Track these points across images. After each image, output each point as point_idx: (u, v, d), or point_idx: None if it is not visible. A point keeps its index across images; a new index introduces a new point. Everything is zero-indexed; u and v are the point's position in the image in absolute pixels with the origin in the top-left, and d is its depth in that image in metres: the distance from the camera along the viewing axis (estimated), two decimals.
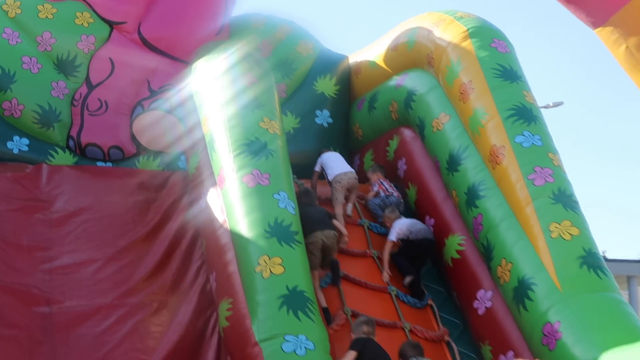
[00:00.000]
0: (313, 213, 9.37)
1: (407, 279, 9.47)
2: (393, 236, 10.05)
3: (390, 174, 11.24)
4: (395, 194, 11.00)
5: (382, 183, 11.18)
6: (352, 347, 7.89)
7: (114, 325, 8.88)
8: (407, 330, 8.97)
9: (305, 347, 7.55)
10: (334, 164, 10.86)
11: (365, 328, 8.26)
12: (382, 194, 11.03)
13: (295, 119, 12.10)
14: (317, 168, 10.92)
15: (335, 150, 11.56)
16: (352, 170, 10.95)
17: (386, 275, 9.78)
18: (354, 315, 9.09)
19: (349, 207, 10.65)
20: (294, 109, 12.16)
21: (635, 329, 7.52)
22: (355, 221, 10.51)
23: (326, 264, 9.21)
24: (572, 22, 7.52)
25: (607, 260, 9.01)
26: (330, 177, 10.66)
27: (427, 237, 10.05)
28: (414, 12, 12.57)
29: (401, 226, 10.10)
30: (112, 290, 9.24)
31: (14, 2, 11.91)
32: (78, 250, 9.65)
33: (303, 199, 9.48)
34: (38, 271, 9.33)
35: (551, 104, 25.85)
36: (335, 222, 9.47)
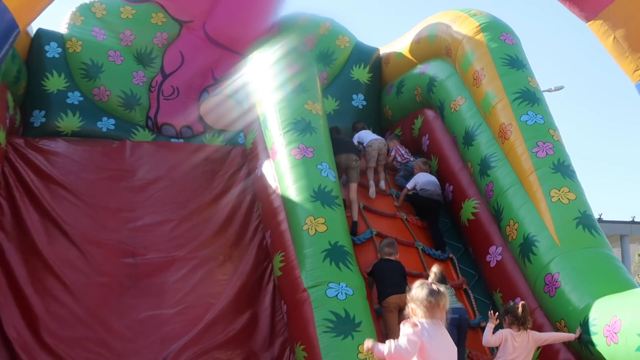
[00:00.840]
0: (341, 139, 10.09)
1: None
2: (410, 184, 10.20)
3: (416, 147, 11.17)
4: (412, 159, 11.01)
5: (398, 149, 11.29)
6: (369, 273, 8.50)
7: (187, 274, 8.98)
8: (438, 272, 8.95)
9: (345, 293, 7.62)
10: (368, 135, 10.96)
11: (387, 250, 8.55)
12: (398, 158, 11.13)
13: (335, 102, 12.05)
14: (355, 141, 10.87)
15: (368, 128, 11.55)
16: (382, 138, 11.05)
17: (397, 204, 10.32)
18: (379, 235, 9.38)
19: (382, 183, 10.66)
20: (333, 93, 12.11)
21: (622, 280, 7.48)
22: (386, 192, 10.50)
23: (352, 178, 9.75)
24: (570, 17, 7.42)
25: (602, 221, 8.93)
26: (365, 143, 10.72)
27: (432, 197, 9.99)
28: (435, 10, 12.47)
29: (418, 178, 10.20)
30: (185, 246, 9.31)
31: (101, 4, 11.94)
32: (156, 212, 9.72)
33: (334, 134, 9.89)
34: (124, 229, 9.44)
35: (553, 88, 25.56)
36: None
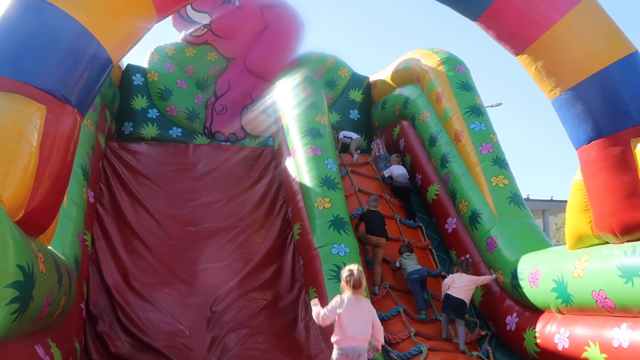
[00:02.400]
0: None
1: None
2: (387, 172, 10.26)
3: (395, 147, 11.11)
4: (385, 152, 11.08)
5: (378, 143, 11.30)
6: (360, 218, 8.78)
7: (232, 239, 9.04)
8: (406, 241, 8.98)
9: (344, 251, 7.68)
10: (349, 133, 11.44)
11: (373, 203, 8.90)
12: (376, 152, 11.15)
13: (337, 115, 12.01)
14: (340, 137, 11.29)
15: (360, 134, 11.74)
16: (359, 136, 11.54)
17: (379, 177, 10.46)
18: (361, 191, 9.87)
19: (355, 157, 11.02)
20: (336, 109, 12.07)
21: (542, 242, 7.49)
22: (374, 177, 10.47)
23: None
24: (504, 51, 7.36)
25: (528, 200, 8.91)
26: (353, 138, 11.33)
27: (402, 185, 10.03)
28: (410, 47, 12.46)
29: (393, 169, 10.23)
30: (231, 218, 9.35)
31: (171, 46, 12.02)
32: (211, 194, 9.74)
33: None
34: (188, 206, 9.49)
35: (494, 104, 25.66)
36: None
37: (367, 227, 8.62)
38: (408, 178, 10.17)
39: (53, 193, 4.87)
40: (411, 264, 8.23)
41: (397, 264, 8.45)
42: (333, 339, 5.13)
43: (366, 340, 5.16)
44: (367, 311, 5.16)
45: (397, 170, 10.20)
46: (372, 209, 8.84)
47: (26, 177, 4.29)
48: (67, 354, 5.39)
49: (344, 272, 5.21)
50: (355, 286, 5.11)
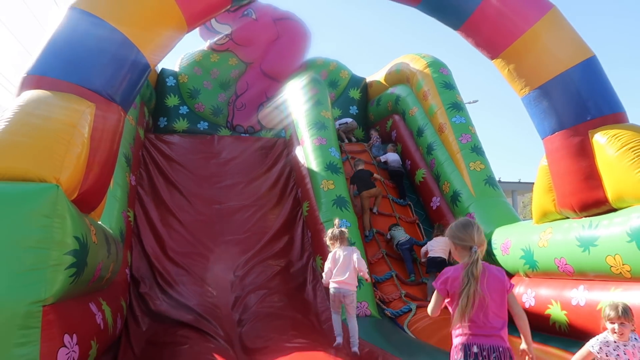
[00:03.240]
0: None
1: None
2: (383, 158, 10.27)
3: (388, 138, 11.08)
4: (380, 142, 11.07)
5: (373, 134, 11.25)
6: (351, 178, 9.08)
7: (252, 214, 9.04)
8: (397, 218, 9.01)
9: (346, 225, 7.61)
10: (343, 119, 11.47)
11: (358, 164, 9.30)
12: (375, 140, 11.05)
13: (339, 111, 11.95)
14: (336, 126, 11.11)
15: (358, 127, 11.70)
16: (354, 120, 11.56)
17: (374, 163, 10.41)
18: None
19: (346, 140, 11.22)
20: (338, 106, 12.01)
21: (512, 217, 7.51)
22: (370, 162, 10.40)
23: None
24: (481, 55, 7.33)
25: (501, 182, 8.92)
26: (348, 122, 11.39)
27: (395, 169, 10.00)
28: (401, 52, 12.36)
29: (388, 156, 10.23)
30: (250, 197, 9.33)
31: (199, 53, 11.93)
32: (233, 178, 9.73)
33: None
34: (214, 188, 9.47)
35: (472, 101, 25.67)
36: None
37: (358, 187, 8.90)
38: (401, 164, 10.14)
39: (102, 177, 4.89)
40: (400, 234, 8.28)
41: (388, 236, 8.48)
42: (325, 283, 5.54)
43: (350, 284, 5.38)
44: (349, 258, 5.40)
45: (392, 157, 10.19)
46: (359, 168, 9.13)
47: (79, 164, 4.30)
48: (115, 310, 5.45)
49: (327, 235, 5.66)
50: (336, 238, 5.53)
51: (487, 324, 2.78)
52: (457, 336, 2.87)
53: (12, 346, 3.37)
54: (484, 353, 2.75)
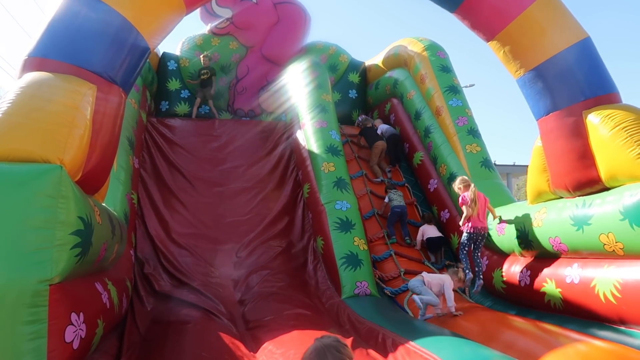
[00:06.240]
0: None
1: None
2: (379, 130, 10.27)
3: (386, 121, 10.99)
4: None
5: (378, 120, 11.09)
6: (360, 133, 10.01)
7: (253, 196, 9.03)
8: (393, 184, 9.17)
9: (346, 207, 7.70)
10: (384, 126, 11.23)
11: (365, 122, 10.12)
12: (359, 122, 10.86)
13: (339, 95, 11.87)
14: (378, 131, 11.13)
15: (357, 110, 11.74)
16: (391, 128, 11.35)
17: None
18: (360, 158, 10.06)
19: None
20: (338, 89, 11.92)
21: (507, 198, 7.53)
22: (367, 146, 10.32)
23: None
24: (477, 38, 7.22)
25: (496, 164, 8.93)
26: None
27: (391, 134, 10.06)
28: (399, 35, 12.23)
29: (381, 127, 10.32)
30: (251, 180, 9.31)
31: (200, 37, 11.82)
32: (234, 160, 9.70)
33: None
34: (216, 170, 9.45)
35: (468, 85, 25.67)
36: None
37: (369, 140, 9.70)
38: (393, 131, 10.17)
39: (104, 158, 4.88)
40: (397, 199, 8.44)
41: (387, 200, 8.52)
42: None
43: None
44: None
45: (384, 126, 10.31)
46: (370, 125, 10.09)
47: (82, 145, 4.30)
48: (120, 290, 5.49)
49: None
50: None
51: None
52: None
53: (20, 324, 3.39)
54: None
